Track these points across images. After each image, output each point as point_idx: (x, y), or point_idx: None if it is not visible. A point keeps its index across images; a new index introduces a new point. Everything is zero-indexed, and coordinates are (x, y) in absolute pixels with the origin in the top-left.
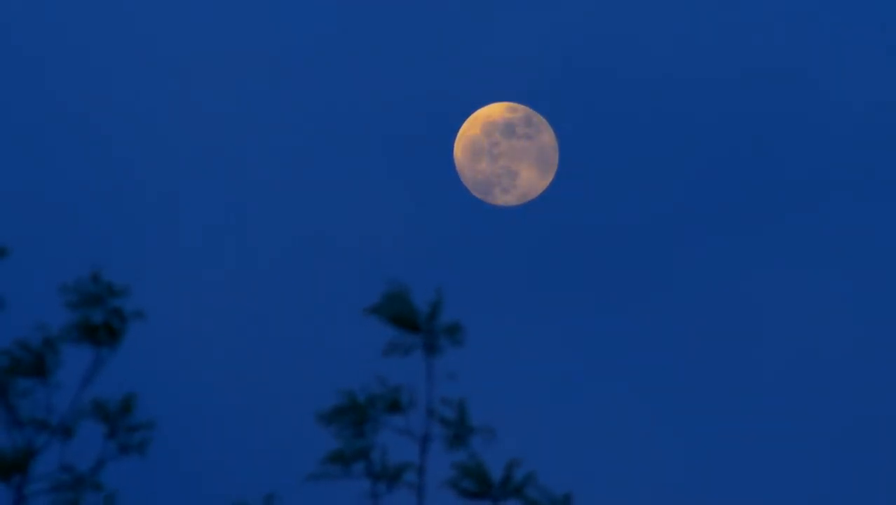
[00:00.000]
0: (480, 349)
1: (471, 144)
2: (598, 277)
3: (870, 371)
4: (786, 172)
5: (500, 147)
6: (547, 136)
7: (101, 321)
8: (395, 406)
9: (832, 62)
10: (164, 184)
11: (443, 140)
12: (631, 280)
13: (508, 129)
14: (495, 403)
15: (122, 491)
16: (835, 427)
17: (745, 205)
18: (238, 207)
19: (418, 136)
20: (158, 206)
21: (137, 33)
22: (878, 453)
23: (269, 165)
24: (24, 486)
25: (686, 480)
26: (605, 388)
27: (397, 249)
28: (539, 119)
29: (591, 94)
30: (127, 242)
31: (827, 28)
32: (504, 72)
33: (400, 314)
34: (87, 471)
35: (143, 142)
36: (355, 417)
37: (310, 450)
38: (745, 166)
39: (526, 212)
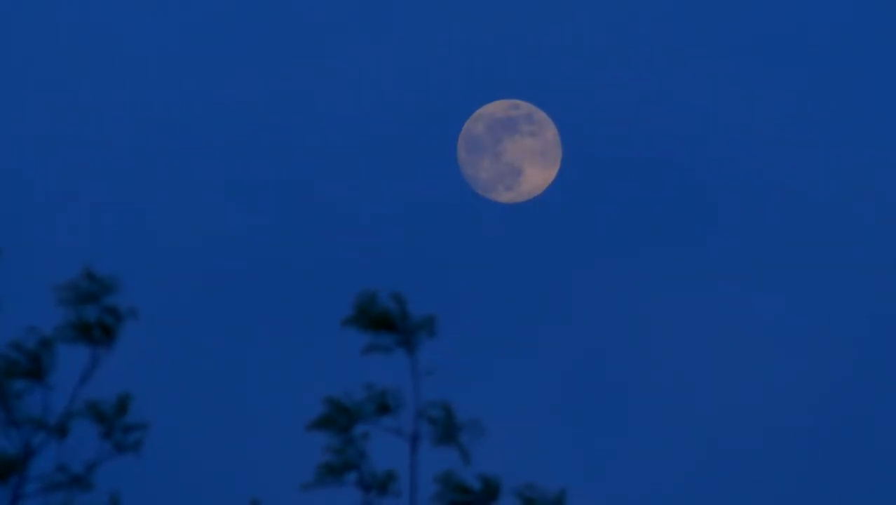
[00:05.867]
0: (482, 348)
1: (473, 142)
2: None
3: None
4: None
5: (503, 144)
6: (550, 133)
7: (95, 319)
8: (383, 408)
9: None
10: (138, 185)
11: (445, 138)
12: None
13: (511, 125)
14: (492, 400)
15: (117, 491)
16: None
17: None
18: (226, 208)
19: (420, 135)
20: (137, 207)
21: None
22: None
23: (263, 162)
24: (21, 486)
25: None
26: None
27: (398, 249)
28: (541, 115)
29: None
30: (105, 244)
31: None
32: (505, 69)
33: (373, 318)
34: (82, 471)
35: (133, 138)
36: (343, 423)
37: (300, 451)
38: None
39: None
